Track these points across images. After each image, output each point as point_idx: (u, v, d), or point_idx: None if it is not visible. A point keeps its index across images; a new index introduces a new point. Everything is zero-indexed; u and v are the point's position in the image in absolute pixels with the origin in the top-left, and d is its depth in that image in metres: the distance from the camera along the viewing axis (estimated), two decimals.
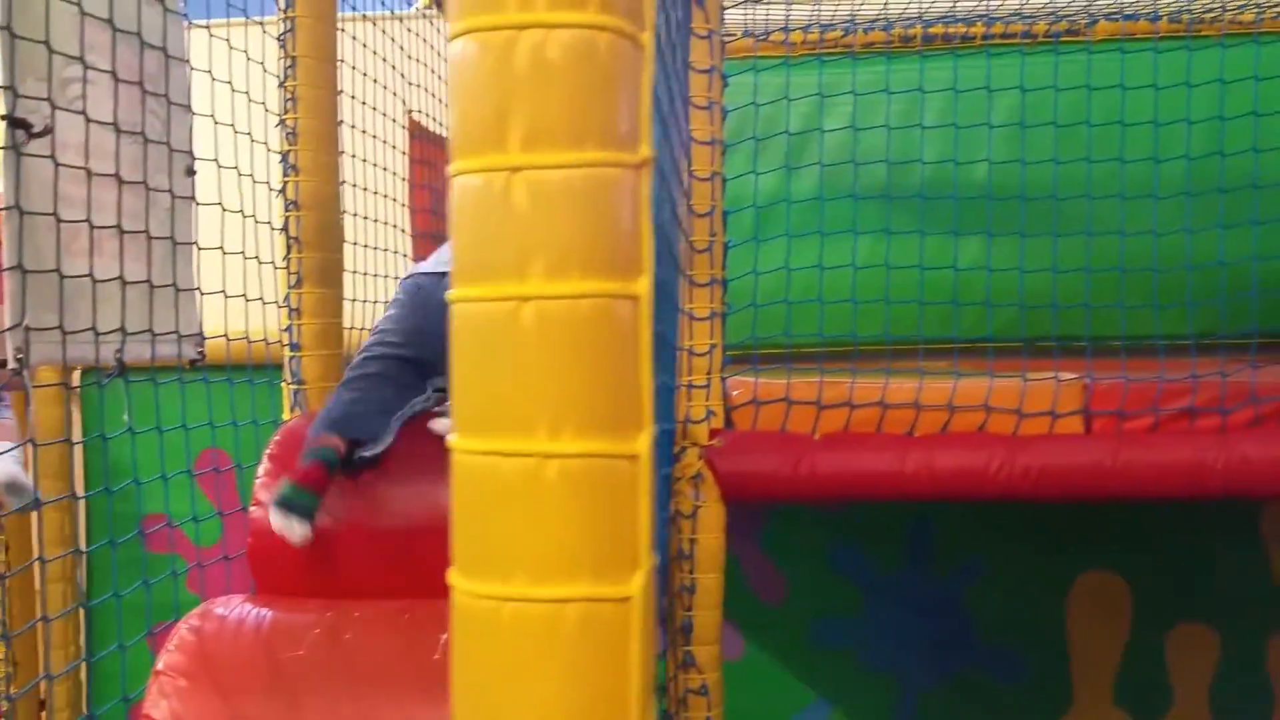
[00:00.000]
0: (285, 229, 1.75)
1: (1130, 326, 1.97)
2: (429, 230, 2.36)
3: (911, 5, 2.63)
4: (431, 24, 2.49)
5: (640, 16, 0.42)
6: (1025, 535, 2.91)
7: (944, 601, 2.98)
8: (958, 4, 2.57)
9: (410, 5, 2.55)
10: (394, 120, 2.15)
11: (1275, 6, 2.52)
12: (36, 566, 2.18)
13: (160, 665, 1.24)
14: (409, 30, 2.31)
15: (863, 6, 2.63)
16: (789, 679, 3.00)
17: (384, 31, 2.15)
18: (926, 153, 2.36)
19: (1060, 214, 2.22)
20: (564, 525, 0.40)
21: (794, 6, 2.65)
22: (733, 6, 2.20)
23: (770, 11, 2.66)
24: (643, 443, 0.41)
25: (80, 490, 2.52)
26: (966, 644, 2.97)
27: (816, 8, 2.61)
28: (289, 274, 1.76)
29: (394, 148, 2.18)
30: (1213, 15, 2.48)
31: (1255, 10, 2.45)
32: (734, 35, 2.45)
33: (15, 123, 1.10)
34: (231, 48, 1.82)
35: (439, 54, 2.36)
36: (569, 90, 0.40)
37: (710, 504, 1.69)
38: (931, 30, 2.49)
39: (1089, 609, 2.95)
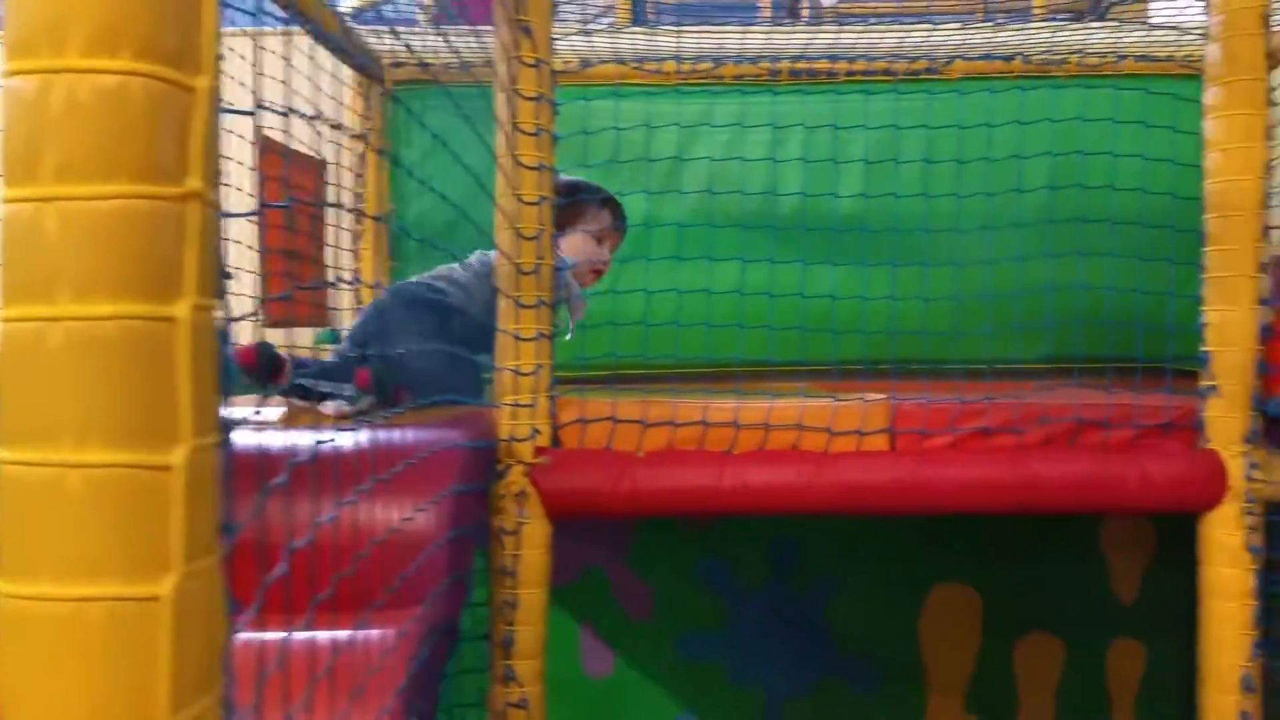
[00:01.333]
0: None
1: (934, 351, 2.10)
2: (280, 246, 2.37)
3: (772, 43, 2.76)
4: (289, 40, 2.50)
5: (192, 62, 0.46)
6: (883, 550, 3.01)
7: (806, 615, 3.06)
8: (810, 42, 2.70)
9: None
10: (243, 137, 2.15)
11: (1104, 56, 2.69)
12: None
13: None
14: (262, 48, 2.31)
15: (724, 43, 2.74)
16: (658, 692, 3.04)
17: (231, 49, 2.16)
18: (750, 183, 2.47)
19: (873, 244, 2.38)
20: (87, 529, 0.44)
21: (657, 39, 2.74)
22: (563, 37, 2.27)
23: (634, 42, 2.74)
24: (177, 455, 0.45)
25: None
26: (828, 655, 3.06)
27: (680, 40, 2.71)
28: None
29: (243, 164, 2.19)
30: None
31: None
32: (572, 62, 2.52)
33: None
34: None
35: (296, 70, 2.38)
36: (100, 129, 0.44)
37: (535, 520, 1.73)
38: (778, 67, 2.61)
39: (942, 620, 3.05)
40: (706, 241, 2.44)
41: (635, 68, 2.71)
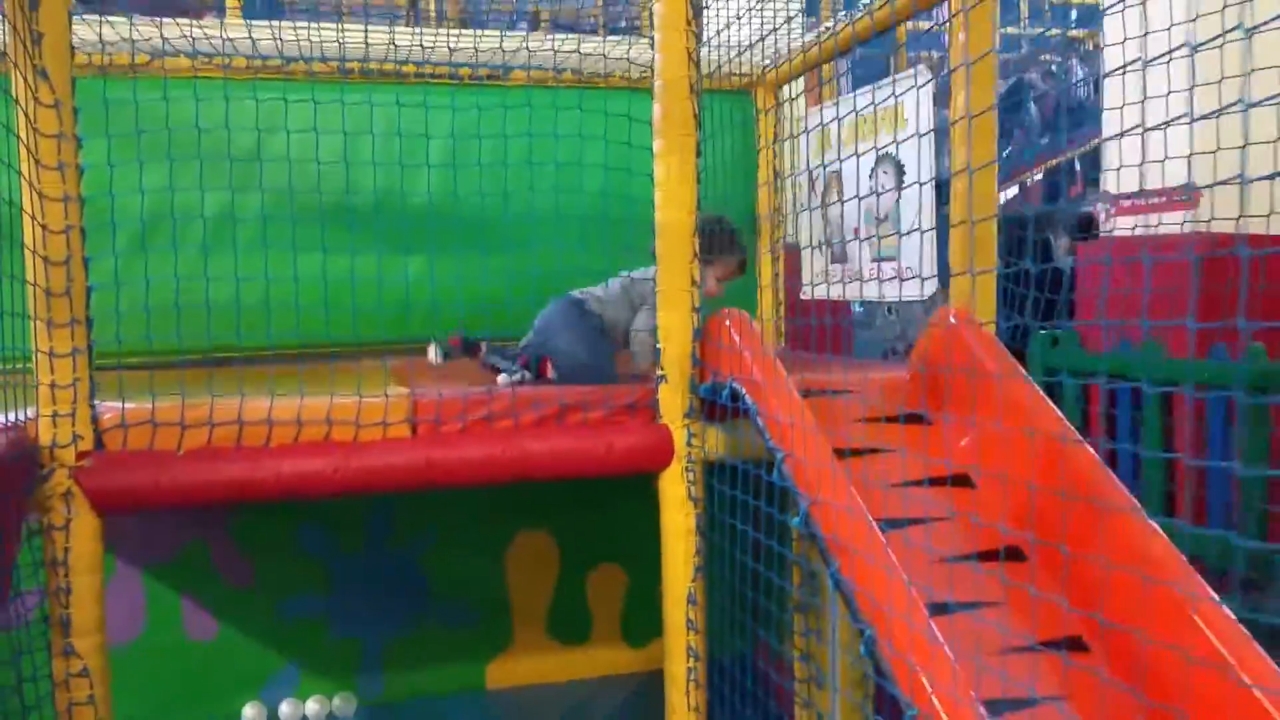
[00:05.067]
0: None
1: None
2: None
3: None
4: None
5: None
6: (470, 507, 3.41)
7: (403, 568, 3.41)
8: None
9: None
10: None
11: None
12: None
13: None
14: None
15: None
16: (260, 651, 3.28)
17: None
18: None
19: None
20: None
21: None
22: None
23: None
24: None
25: None
26: (424, 601, 3.43)
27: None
28: None
29: None
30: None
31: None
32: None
33: None
34: None
35: None
36: None
37: (82, 516, 1.91)
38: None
39: (524, 561, 3.52)
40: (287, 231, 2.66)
41: (206, 62, 2.83)
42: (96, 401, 1.96)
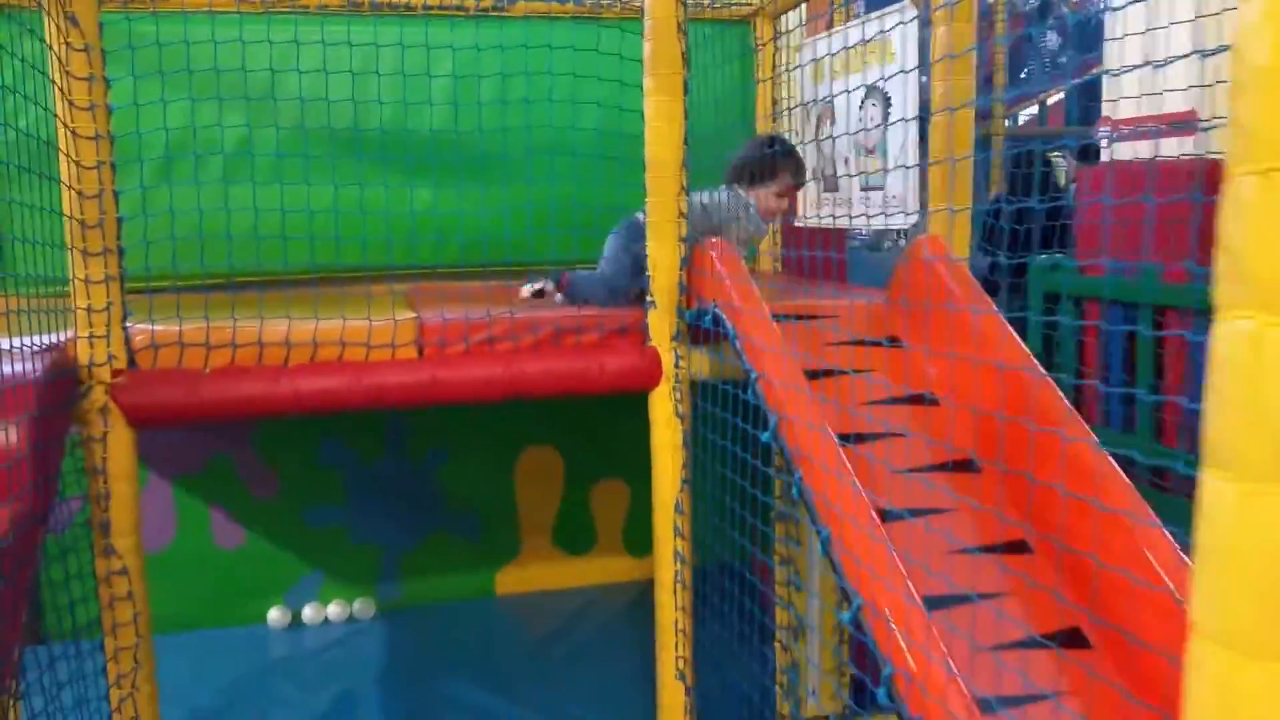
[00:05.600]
0: None
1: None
2: None
3: None
4: None
5: None
6: (482, 423, 3.61)
7: (418, 481, 3.62)
8: None
9: None
10: None
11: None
12: None
13: None
14: None
15: None
16: (286, 558, 3.52)
17: None
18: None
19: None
20: None
21: None
22: None
23: None
24: None
25: None
26: (438, 513, 3.65)
27: None
28: None
29: None
30: None
31: None
32: None
33: None
34: None
35: None
36: None
37: (118, 429, 2.10)
38: None
39: (531, 476, 3.73)
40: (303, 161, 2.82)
41: None
42: (129, 324, 2.14)
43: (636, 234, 2.61)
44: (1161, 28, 4.10)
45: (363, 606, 3.55)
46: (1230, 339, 0.73)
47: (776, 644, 2.71)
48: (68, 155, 1.97)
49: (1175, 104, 4.34)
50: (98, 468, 2.10)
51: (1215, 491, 0.74)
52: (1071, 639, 1.76)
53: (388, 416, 3.55)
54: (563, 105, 3.06)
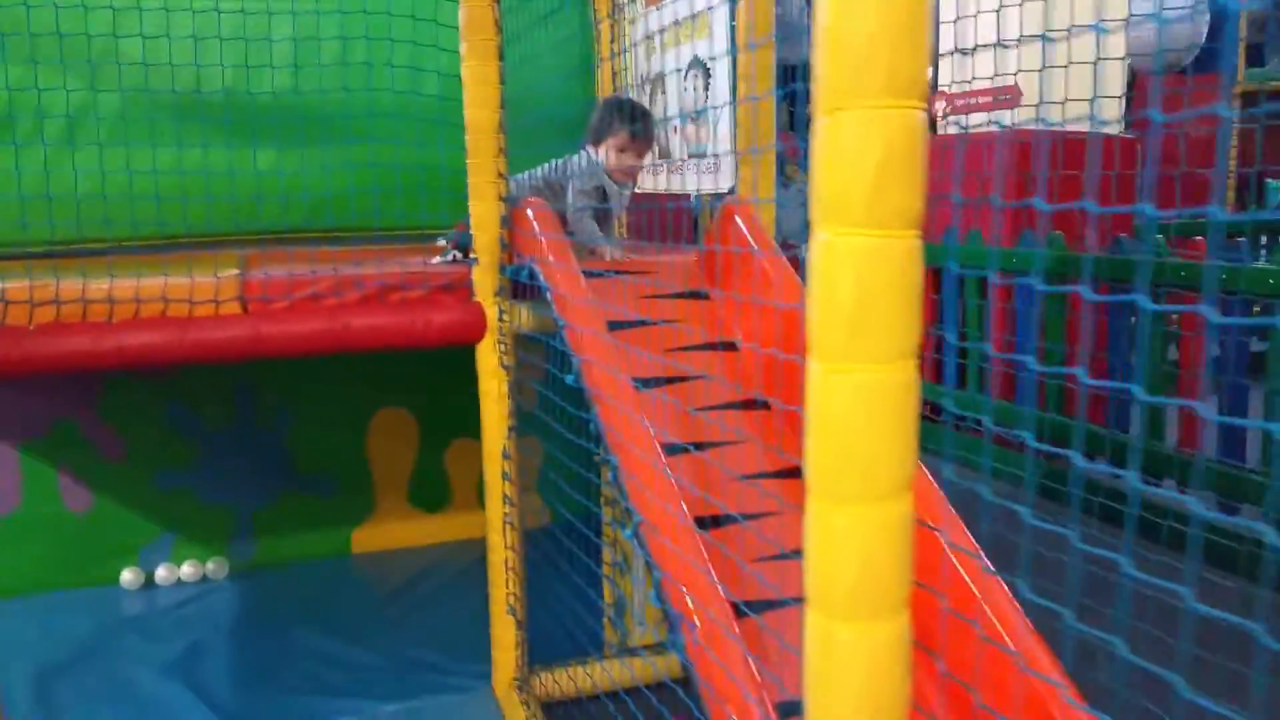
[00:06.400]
0: None
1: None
2: None
3: None
4: None
5: None
6: (332, 388, 3.69)
7: (268, 444, 3.69)
8: None
9: None
10: None
11: None
12: None
13: None
14: None
15: None
16: (136, 520, 3.55)
17: None
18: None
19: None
20: None
21: None
22: None
23: None
24: None
25: None
26: (290, 475, 3.73)
27: None
28: None
29: None
30: None
31: None
32: None
33: None
34: None
35: None
36: None
37: None
38: None
39: (385, 437, 3.83)
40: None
41: None
42: None
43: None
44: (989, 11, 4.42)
45: (216, 566, 3.61)
46: (817, 250, 0.90)
47: (604, 582, 2.90)
48: None
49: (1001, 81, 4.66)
50: None
51: (814, 371, 0.92)
52: None
53: (235, 381, 3.60)
54: (401, 72, 3.16)
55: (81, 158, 2.91)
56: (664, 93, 3.39)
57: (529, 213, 2.47)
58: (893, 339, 0.92)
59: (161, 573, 3.56)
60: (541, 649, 2.77)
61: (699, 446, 2.07)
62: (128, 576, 3.52)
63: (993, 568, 1.65)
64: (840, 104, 0.89)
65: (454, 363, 2.80)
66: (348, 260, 2.66)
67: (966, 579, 1.70)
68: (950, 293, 4.85)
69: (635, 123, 3.07)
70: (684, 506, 1.84)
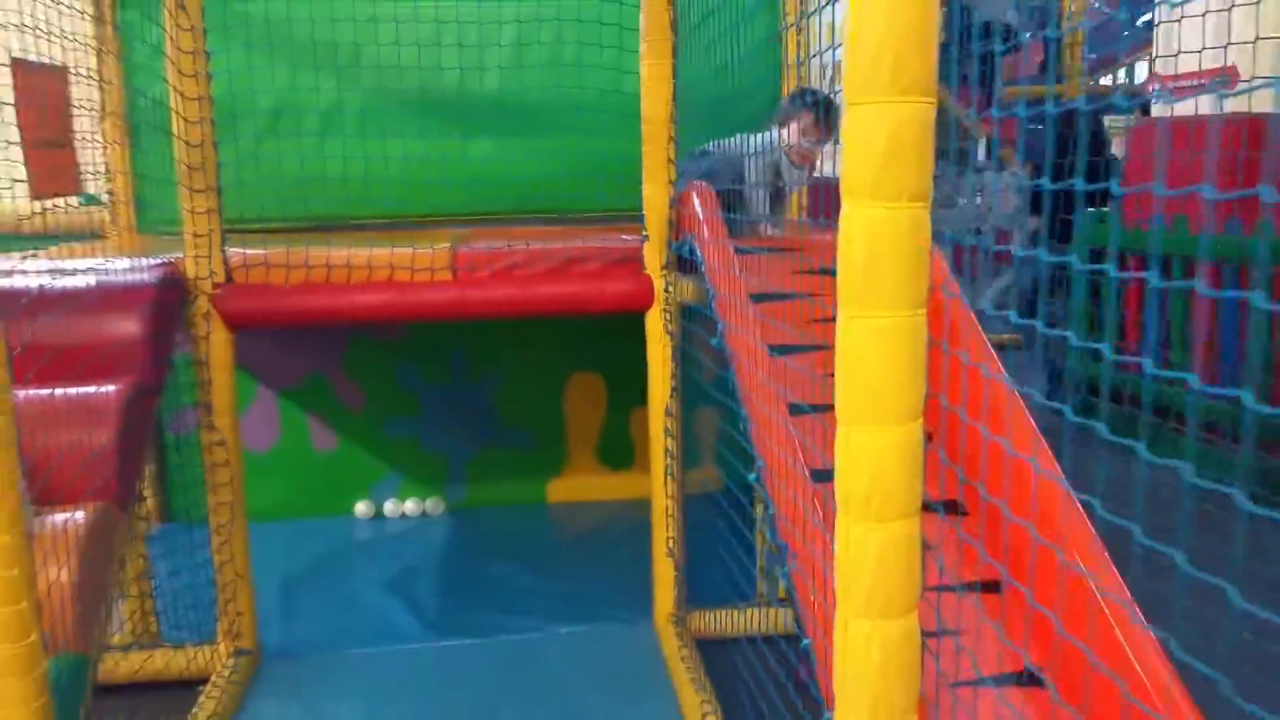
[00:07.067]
0: None
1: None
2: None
3: None
4: None
5: None
6: (533, 353, 4.13)
7: (477, 401, 4.18)
8: None
9: None
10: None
11: None
12: None
13: None
14: None
15: None
16: (371, 461, 4.13)
17: None
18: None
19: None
20: None
21: None
22: None
23: None
24: None
25: None
26: (496, 429, 4.20)
27: None
28: None
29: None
30: None
31: None
32: None
33: None
34: None
35: None
36: None
37: (217, 330, 2.69)
38: None
39: (578, 398, 4.24)
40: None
41: None
42: (226, 248, 2.72)
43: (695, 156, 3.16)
44: None
45: (434, 504, 4.14)
46: (842, 219, 1.13)
47: (758, 533, 3.15)
48: (176, 112, 2.55)
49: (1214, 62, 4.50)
50: (202, 360, 2.70)
51: (840, 317, 1.16)
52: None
53: (450, 346, 4.11)
54: (608, 71, 3.50)
55: (331, 147, 3.46)
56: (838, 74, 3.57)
57: (693, 193, 2.75)
58: (899, 292, 1.14)
59: (389, 507, 4.12)
60: (701, 593, 3.06)
61: (820, 409, 2.28)
62: (361, 508, 4.11)
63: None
64: (856, 99, 1.12)
65: (640, 333, 3.16)
66: (544, 238, 3.04)
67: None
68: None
69: (819, 108, 3.28)
70: (800, 457, 2.07)
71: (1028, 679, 1.77)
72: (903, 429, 1.17)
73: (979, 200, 7.60)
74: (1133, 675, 1.56)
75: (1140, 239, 4.89)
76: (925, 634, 1.49)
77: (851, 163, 1.13)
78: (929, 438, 2.41)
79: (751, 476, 2.12)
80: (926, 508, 1.19)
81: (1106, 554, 1.74)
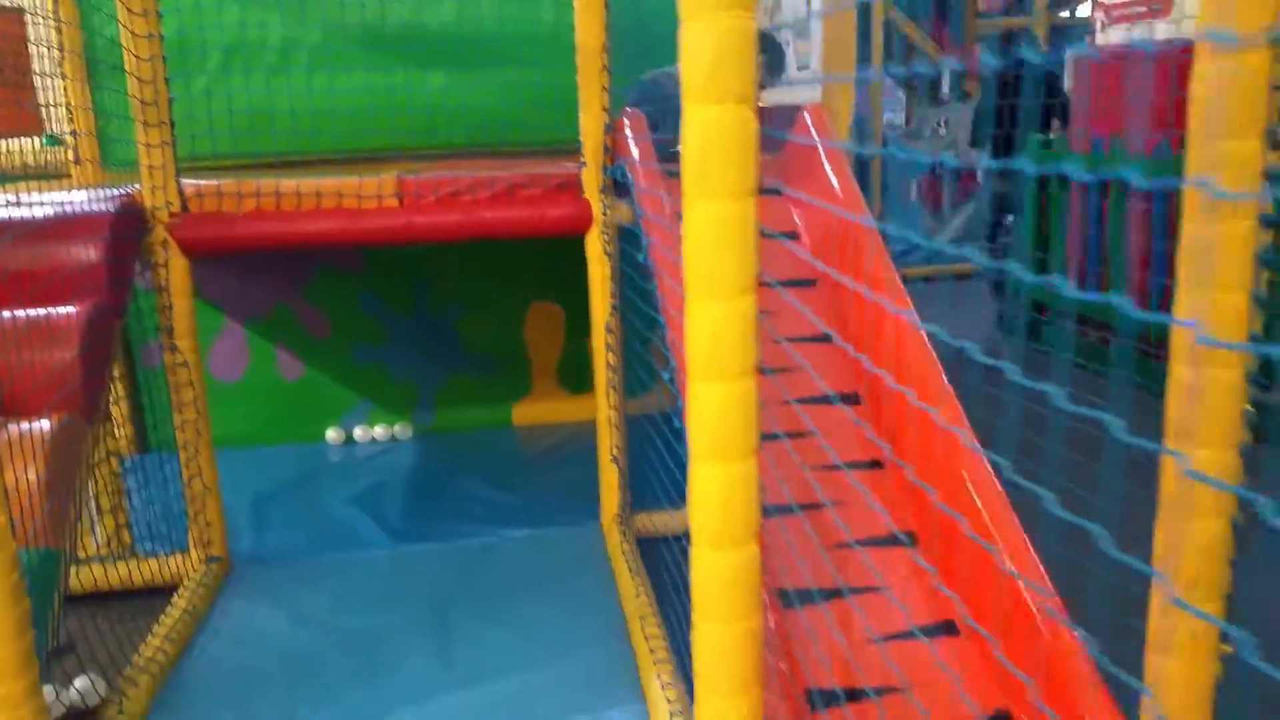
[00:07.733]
0: None
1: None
2: None
3: None
4: None
5: None
6: (494, 284, 4.30)
7: (442, 330, 4.35)
8: None
9: None
10: None
11: None
12: None
13: None
14: None
15: None
16: (340, 389, 4.31)
17: None
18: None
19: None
20: None
21: None
22: None
23: None
24: None
25: None
26: (460, 356, 4.39)
27: None
28: None
29: None
30: None
31: None
32: None
33: None
34: None
35: None
36: None
37: (175, 257, 2.85)
38: None
39: (538, 326, 4.41)
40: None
41: None
42: (181, 180, 2.87)
43: (640, 94, 3.27)
44: None
45: (402, 429, 4.33)
46: (684, 120, 1.29)
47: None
48: (128, 49, 2.68)
49: None
50: (162, 286, 2.87)
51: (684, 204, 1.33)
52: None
53: (412, 277, 4.27)
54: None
55: (283, 83, 3.59)
56: (781, 10, 3.70)
57: (625, 120, 2.90)
58: (727, 183, 1.30)
59: (359, 432, 4.32)
60: (645, 498, 3.27)
61: None
62: (331, 435, 4.30)
63: None
64: (690, 16, 1.28)
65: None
66: (490, 168, 3.19)
67: None
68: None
69: (761, 52, 3.42)
70: None
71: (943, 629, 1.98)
72: (735, 301, 1.35)
73: (942, 130, 7.71)
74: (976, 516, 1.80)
75: (1086, 162, 5.04)
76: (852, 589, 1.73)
77: (687, 71, 1.29)
78: (855, 399, 2.60)
79: (666, 375, 2.30)
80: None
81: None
